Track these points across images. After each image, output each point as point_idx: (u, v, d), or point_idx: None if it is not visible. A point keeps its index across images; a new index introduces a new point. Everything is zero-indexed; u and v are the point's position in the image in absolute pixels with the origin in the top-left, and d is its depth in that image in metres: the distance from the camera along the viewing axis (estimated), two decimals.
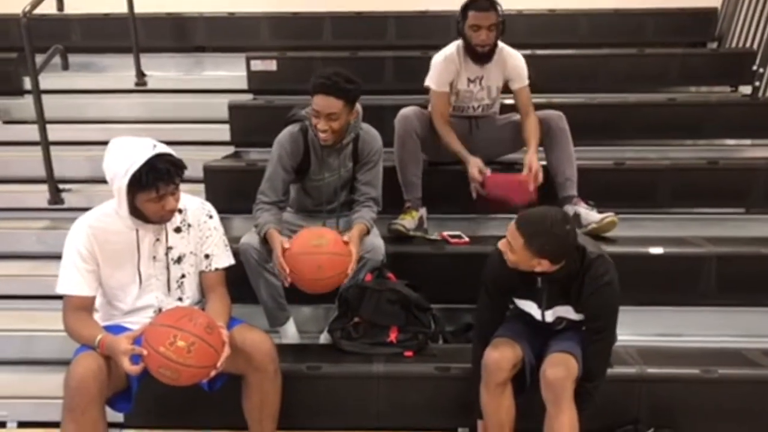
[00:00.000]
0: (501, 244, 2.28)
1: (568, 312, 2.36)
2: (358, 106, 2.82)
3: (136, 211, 2.21)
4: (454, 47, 3.27)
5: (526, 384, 2.38)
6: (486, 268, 2.42)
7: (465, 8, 3.18)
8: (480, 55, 3.20)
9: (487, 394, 2.35)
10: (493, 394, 2.34)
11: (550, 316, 2.39)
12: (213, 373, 2.11)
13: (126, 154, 2.14)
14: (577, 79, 4.25)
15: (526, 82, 3.30)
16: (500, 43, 3.26)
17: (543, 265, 2.20)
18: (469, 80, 3.29)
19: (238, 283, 2.59)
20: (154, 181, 2.13)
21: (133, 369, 2.07)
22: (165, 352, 2.03)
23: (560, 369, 2.25)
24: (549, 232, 2.15)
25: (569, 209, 3.15)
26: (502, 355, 2.33)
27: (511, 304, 2.52)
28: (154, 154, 2.13)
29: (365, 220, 2.76)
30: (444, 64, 3.25)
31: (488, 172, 3.13)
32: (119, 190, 2.16)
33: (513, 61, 3.28)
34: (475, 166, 3.13)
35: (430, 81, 3.29)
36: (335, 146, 2.80)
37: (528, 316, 2.45)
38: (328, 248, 2.52)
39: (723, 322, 3.05)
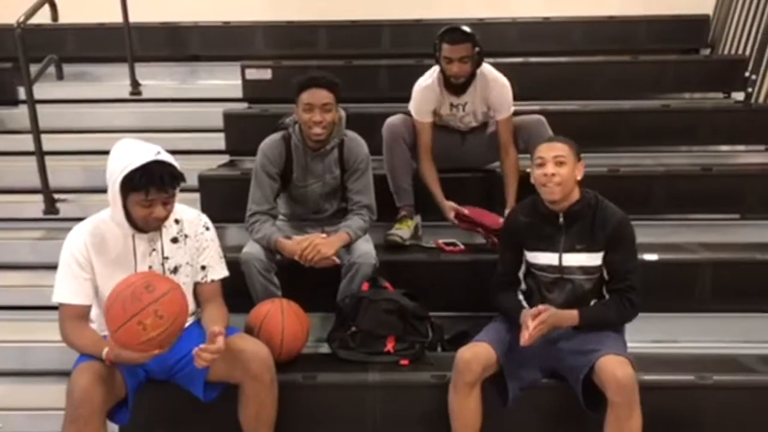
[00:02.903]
0: (551, 170, 2.38)
1: (587, 259, 2.41)
2: (342, 112, 2.86)
3: (128, 215, 2.21)
4: (435, 75, 3.20)
5: (509, 396, 2.39)
6: (505, 224, 2.64)
7: (439, 39, 3.09)
8: (454, 86, 3.14)
9: (454, 393, 2.37)
10: (460, 394, 2.36)
11: (570, 260, 2.42)
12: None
13: (127, 154, 2.14)
14: (571, 87, 4.26)
15: (510, 112, 3.22)
16: (484, 68, 3.17)
17: (580, 172, 2.42)
18: (452, 105, 3.25)
19: (236, 293, 2.58)
20: (146, 184, 2.12)
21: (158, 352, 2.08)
22: (147, 337, 2.02)
23: (628, 368, 2.22)
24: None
25: None
26: (473, 356, 2.35)
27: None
28: (153, 160, 2.13)
29: (350, 229, 2.78)
30: (423, 93, 3.21)
31: (465, 211, 3.10)
32: (113, 188, 2.16)
33: (497, 90, 3.17)
34: (450, 210, 3.12)
35: (411, 108, 3.27)
36: (320, 150, 2.84)
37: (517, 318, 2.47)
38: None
39: (718, 328, 3.06)
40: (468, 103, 3.24)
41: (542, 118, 3.24)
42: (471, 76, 3.13)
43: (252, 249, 2.74)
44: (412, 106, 3.26)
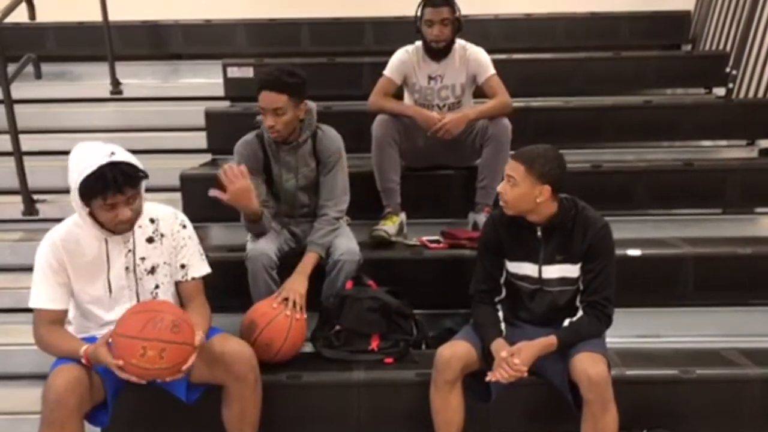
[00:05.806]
0: (500, 187, 2.37)
1: (567, 270, 2.38)
2: (311, 104, 2.83)
3: (96, 219, 2.18)
4: (417, 44, 3.33)
5: (492, 393, 2.39)
6: (482, 231, 2.54)
7: (421, 5, 3.24)
8: (435, 51, 3.23)
9: (435, 391, 2.37)
10: (440, 392, 2.36)
11: (550, 272, 2.39)
12: (190, 361, 2.10)
13: (81, 159, 2.11)
14: (553, 83, 4.27)
15: (492, 71, 3.29)
16: (462, 42, 3.30)
17: (545, 195, 2.29)
18: (430, 77, 3.31)
19: (222, 291, 2.56)
20: (102, 188, 2.08)
21: (126, 376, 2.05)
22: (138, 363, 2.01)
23: (600, 365, 2.22)
24: (546, 154, 2.32)
25: (472, 216, 3.22)
26: (452, 355, 2.35)
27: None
28: (106, 162, 2.07)
29: (316, 246, 2.75)
30: (402, 54, 3.32)
31: (446, 116, 3.14)
32: (74, 196, 2.13)
33: (475, 55, 3.29)
34: (431, 113, 3.18)
35: (386, 70, 3.34)
36: (290, 143, 2.81)
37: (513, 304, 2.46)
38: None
39: (700, 322, 3.08)
40: (446, 75, 3.30)
41: (509, 126, 3.17)
42: (451, 43, 3.23)
43: (259, 245, 2.70)
44: (387, 67, 3.34)
